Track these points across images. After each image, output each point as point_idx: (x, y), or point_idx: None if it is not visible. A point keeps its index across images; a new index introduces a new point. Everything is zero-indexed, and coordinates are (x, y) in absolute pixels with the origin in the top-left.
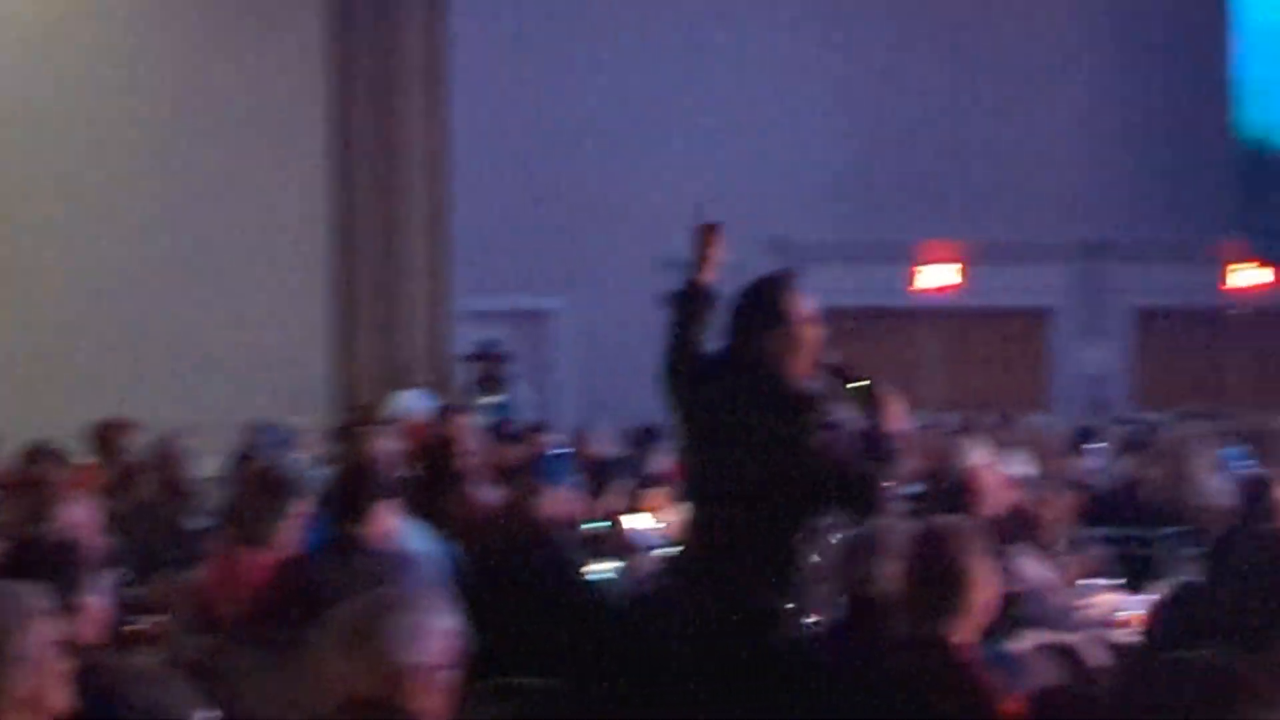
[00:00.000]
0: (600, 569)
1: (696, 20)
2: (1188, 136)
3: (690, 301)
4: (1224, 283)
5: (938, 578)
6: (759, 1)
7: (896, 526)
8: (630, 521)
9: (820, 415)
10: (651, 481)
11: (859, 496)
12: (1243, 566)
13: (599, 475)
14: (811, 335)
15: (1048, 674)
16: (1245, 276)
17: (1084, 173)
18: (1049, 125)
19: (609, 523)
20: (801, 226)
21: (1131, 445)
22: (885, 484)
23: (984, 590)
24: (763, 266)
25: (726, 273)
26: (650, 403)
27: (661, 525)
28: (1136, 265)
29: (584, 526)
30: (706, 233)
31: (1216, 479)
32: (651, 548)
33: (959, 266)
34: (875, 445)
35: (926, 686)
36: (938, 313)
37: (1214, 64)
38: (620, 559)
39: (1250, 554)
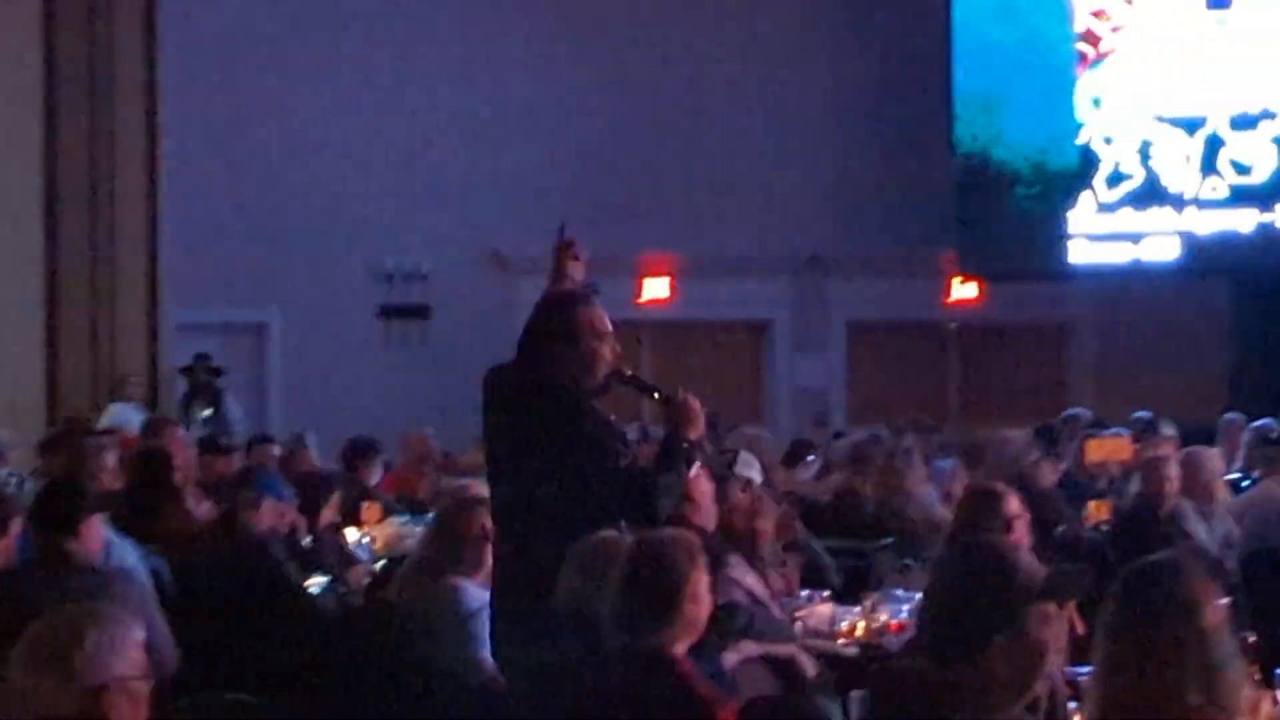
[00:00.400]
0: (315, 582)
1: (411, 32)
2: (906, 151)
3: None
4: (944, 297)
5: (653, 589)
6: (475, 15)
7: (615, 539)
8: (346, 534)
9: (608, 427)
10: (366, 495)
11: (646, 505)
12: (955, 577)
13: (312, 488)
14: (604, 351)
15: (762, 685)
16: (964, 290)
17: (803, 186)
18: (768, 139)
19: (323, 536)
20: (517, 240)
21: (847, 458)
22: (678, 492)
23: (699, 601)
24: (477, 279)
25: (443, 285)
26: (362, 415)
27: (374, 538)
28: (854, 279)
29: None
30: (562, 247)
31: (931, 491)
32: (366, 560)
33: (670, 280)
34: (672, 455)
35: (644, 698)
36: (655, 326)
37: (932, 78)
38: (335, 572)
39: (963, 565)
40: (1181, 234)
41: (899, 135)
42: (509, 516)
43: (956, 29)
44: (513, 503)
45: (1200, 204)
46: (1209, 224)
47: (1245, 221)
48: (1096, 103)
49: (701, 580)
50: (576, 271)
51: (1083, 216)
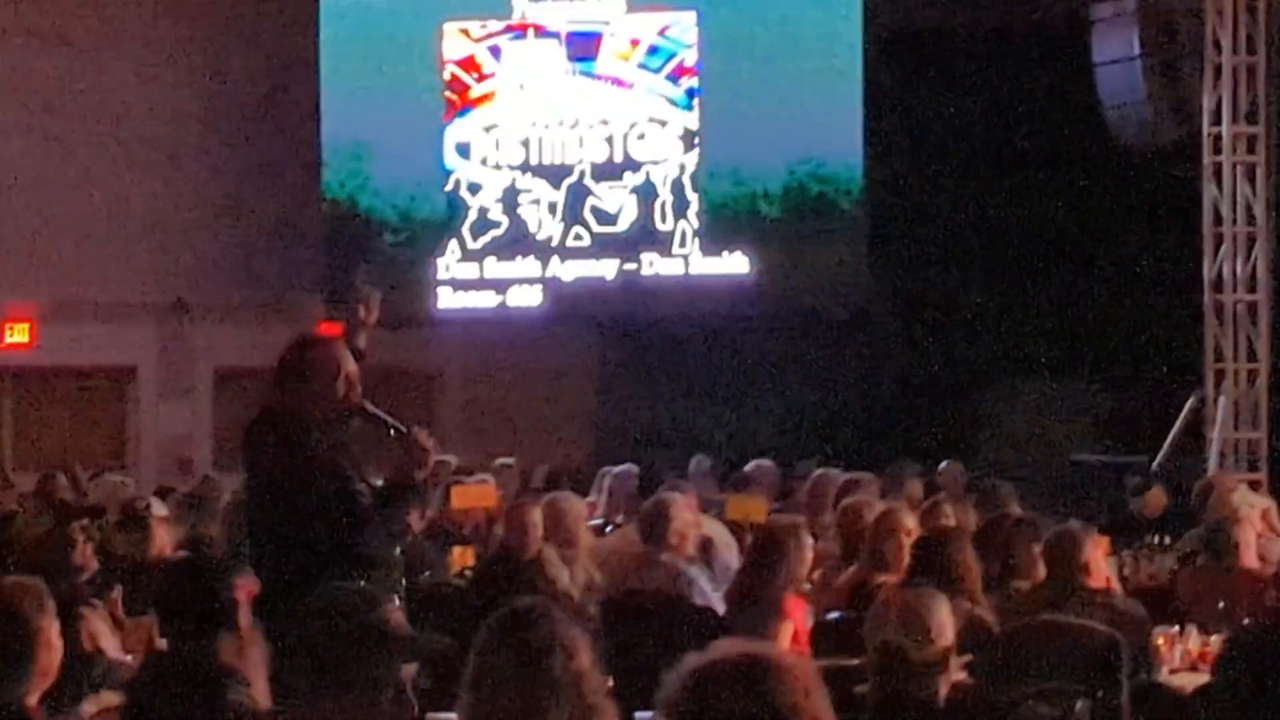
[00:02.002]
0: None
1: None
2: (275, 196)
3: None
4: None
5: (8, 639)
6: None
7: None
8: None
9: (334, 458)
10: None
11: (354, 536)
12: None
13: None
14: (337, 387)
15: None
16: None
17: (172, 233)
18: (132, 182)
19: None
20: None
21: (199, 503)
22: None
23: (51, 649)
24: None
25: None
26: None
27: None
28: (222, 324)
29: None
30: (367, 299)
31: None
32: None
33: (31, 325)
34: (393, 491)
35: None
36: (16, 373)
37: (303, 125)
38: None
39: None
40: (546, 281)
41: (268, 181)
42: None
43: (324, 76)
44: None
45: (565, 252)
46: (573, 272)
47: (608, 270)
48: (463, 151)
49: (53, 628)
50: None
51: (450, 264)
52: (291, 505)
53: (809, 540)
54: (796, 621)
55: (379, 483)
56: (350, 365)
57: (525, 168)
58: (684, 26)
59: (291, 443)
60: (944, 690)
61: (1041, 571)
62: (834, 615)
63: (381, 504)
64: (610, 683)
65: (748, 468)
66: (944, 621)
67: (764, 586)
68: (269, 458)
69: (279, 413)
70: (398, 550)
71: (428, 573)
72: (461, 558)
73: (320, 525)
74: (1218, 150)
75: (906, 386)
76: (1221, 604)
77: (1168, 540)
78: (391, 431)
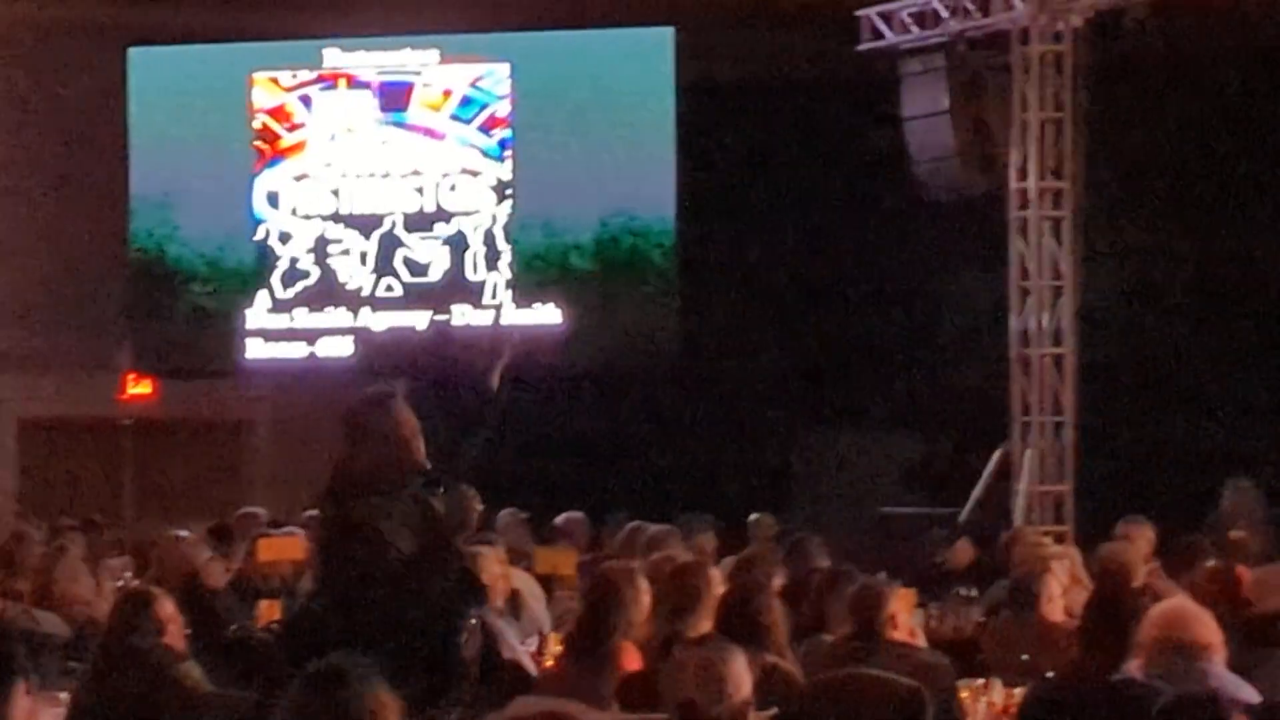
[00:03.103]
0: None
1: None
2: (82, 247)
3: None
4: (119, 393)
5: None
6: None
7: None
8: None
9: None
10: None
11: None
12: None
13: None
14: (415, 448)
15: None
16: (139, 387)
17: None
18: None
19: None
20: None
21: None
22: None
23: None
24: None
25: None
26: None
27: None
28: (27, 374)
29: None
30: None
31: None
32: None
33: None
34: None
35: None
36: None
37: (112, 175)
38: None
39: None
40: (357, 332)
41: (75, 231)
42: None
43: (133, 126)
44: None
45: (375, 303)
46: (384, 322)
47: (420, 321)
48: (273, 201)
49: None
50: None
51: (259, 314)
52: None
53: (644, 585)
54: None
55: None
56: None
57: (336, 218)
58: (497, 78)
59: (372, 557)
60: None
61: (848, 625)
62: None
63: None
64: None
65: (558, 520)
66: (740, 675)
67: (601, 635)
68: (351, 568)
69: (356, 521)
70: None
71: (234, 626)
72: (269, 611)
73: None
74: (1024, 205)
75: (717, 439)
76: (1025, 656)
77: (974, 592)
78: (441, 489)
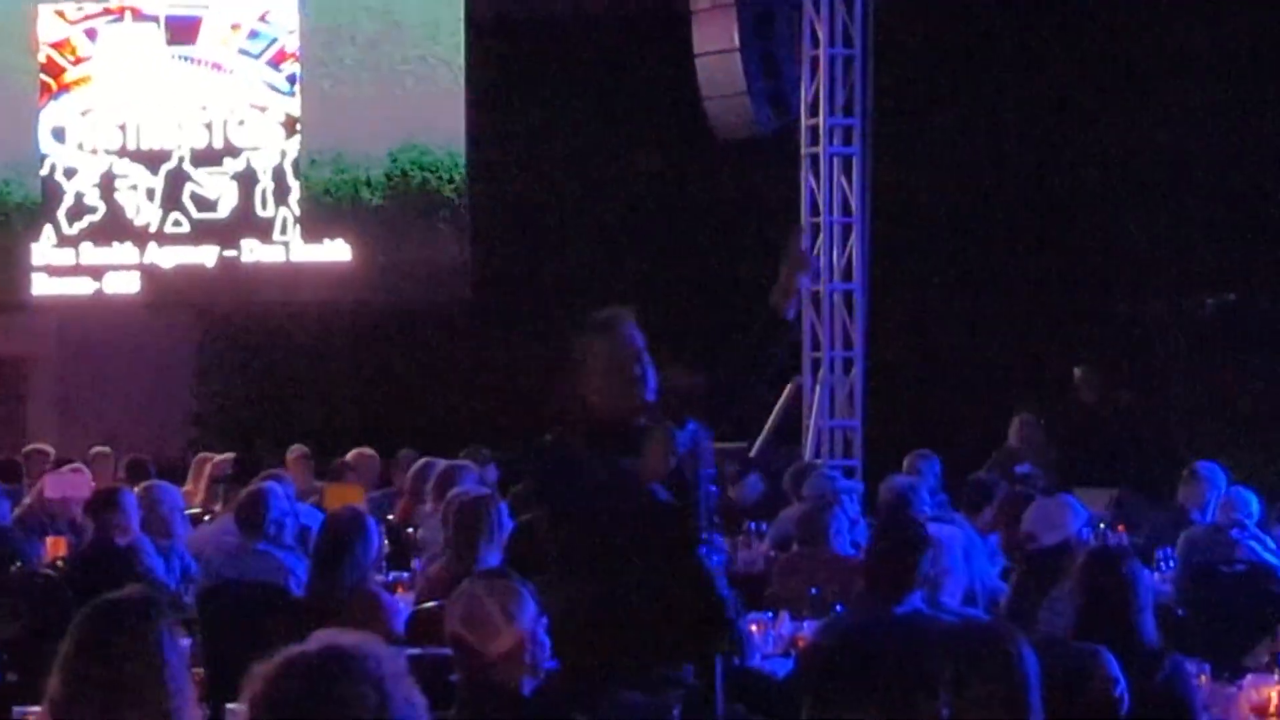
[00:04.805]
0: None
1: None
2: None
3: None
4: None
5: None
6: None
7: None
8: None
9: None
10: None
11: None
12: None
13: None
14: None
15: None
16: None
17: None
18: None
19: None
20: None
21: None
22: None
23: None
24: None
25: None
26: None
27: None
28: None
29: None
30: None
31: None
32: None
33: None
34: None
35: None
36: None
37: None
38: None
39: None
40: (144, 268)
41: None
42: None
43: None
44: None
45: (163, 239)
46: (172, 259)
47: (208, 257)
48: (58, 135)
49: None
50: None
51: (45, 249)
52: None
53: (374, 527)
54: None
55: None
56: None
57: (123, 153)
58: (286, 11)
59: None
60: (528, 678)
61: None
62: (430, 605)
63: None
64: (202, 675)
65: (347, 456)
66: (516, 611)
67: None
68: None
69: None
70: None
71: (18, 564)
72: (55, 548)
73: None
74: (815, 142)
75: (506, 375)
76: (814, 590)
77: (765, 527)
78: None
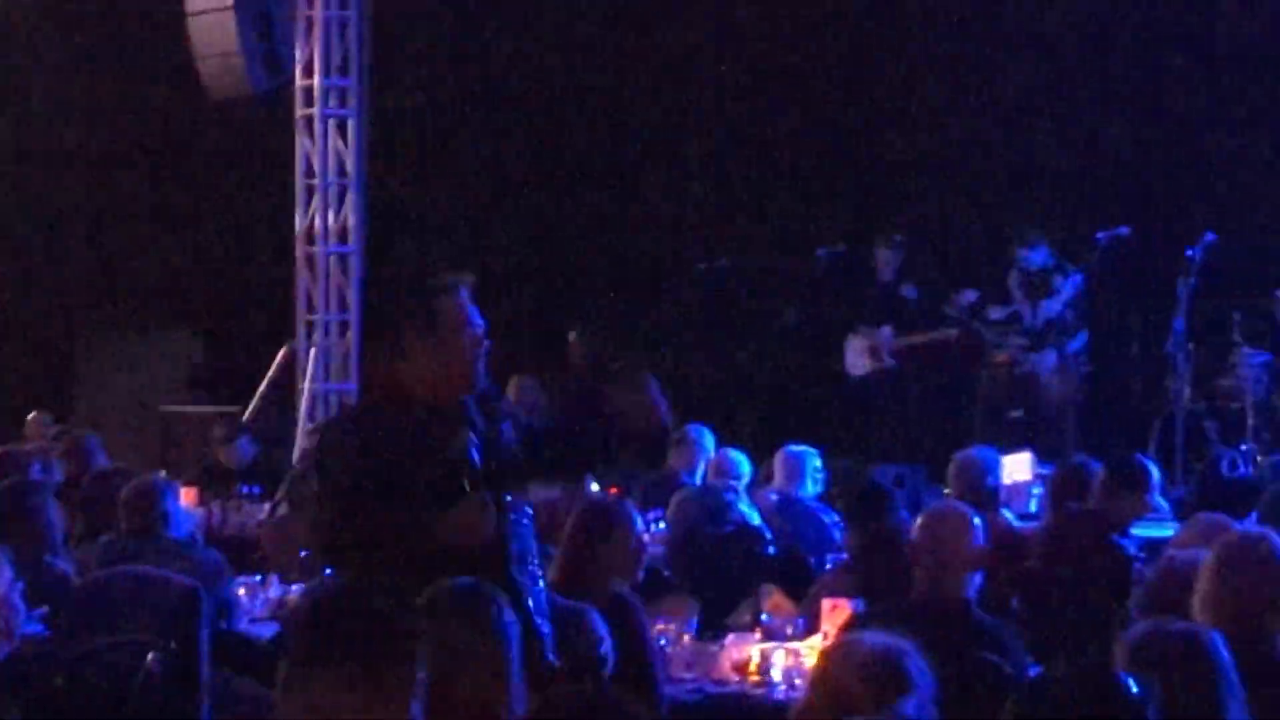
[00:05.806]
0: None
1: None
2: None
3: None
4: None
5: None
6: None
7: None
8: None
9: None
10: None
11: None
12: None
13: None
14: None
15: None
16: None
17: None
18: None
19: None
20: None
21: None
22: None
23: None
24: None
25: None
26: None
27: None
28: None
29: None
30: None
31: None
32: None
33: None
34: None
35: None
36: None
37: None
38: None
39: None
40: None
41: None
42: None
43: None
44: None
45: None
46: None
47: None
48: None
49: None
50: None
51: None
52: None
53: None
54: None
55: None
56: None
57: None
58: None
59: None
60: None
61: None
62: None
63: None
64: None
65: None
66: None
67: None
68: None
69: None
70: None
71: None
72: None
73: None
74: (310, 103)
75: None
76: (304, 553)
77: (257, 490)
78: None
